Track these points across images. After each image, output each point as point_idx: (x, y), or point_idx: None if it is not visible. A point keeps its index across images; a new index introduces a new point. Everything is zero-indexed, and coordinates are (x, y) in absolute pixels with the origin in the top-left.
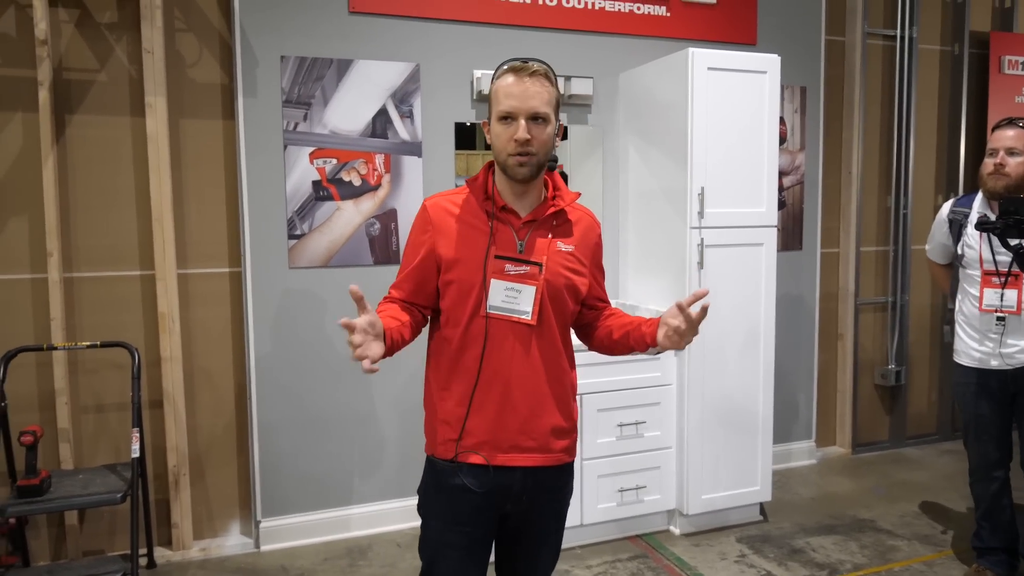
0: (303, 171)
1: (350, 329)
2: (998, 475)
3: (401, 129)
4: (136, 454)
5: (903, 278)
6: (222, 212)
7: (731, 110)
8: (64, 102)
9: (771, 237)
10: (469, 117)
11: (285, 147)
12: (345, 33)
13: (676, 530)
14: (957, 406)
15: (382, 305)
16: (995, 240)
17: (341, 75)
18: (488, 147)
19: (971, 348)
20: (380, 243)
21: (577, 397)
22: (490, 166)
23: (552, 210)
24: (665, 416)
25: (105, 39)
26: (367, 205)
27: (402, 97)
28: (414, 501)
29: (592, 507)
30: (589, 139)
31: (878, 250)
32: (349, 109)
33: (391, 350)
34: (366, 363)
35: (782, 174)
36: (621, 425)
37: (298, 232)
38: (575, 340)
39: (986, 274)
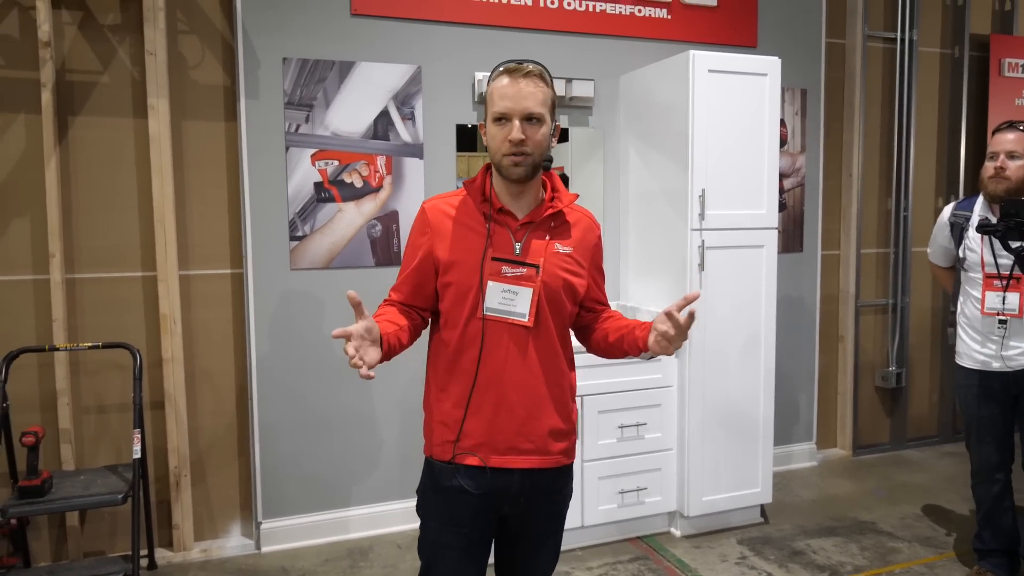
0: (305, 173)
1: (345, 338)
2: (1000, 477)
3: (403, 131)
4: (137, 455)
5: (904, 280)
6: (224, 214)
7: (732, 112)
8: (67, 104)
9: (772, 239)
10: (471, 119)
11: (287, 149)
12: (347, 35)
13: (677, 532)
14: (959, 408)
15: (381, 308)
16: (996, 243)
17: (343, 77)
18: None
19: (973, 350)
20: (382, 245)
21: (577, 399)
22: (488, 168)
23: (550, 212)
24: (666, 418)
25: (108, 41)
26: (368, 207)
27: (404, 99)
28: (415, 502)
29: (593, 509)
30: (590, 141)
31: (879, 252)
32: (351, 111)
33: (388, 355)
34: (363, 369)
35: (783, 176)
36: (622, 427)
37: (300, 234)
38: (575, 342)
39: (988, 277)
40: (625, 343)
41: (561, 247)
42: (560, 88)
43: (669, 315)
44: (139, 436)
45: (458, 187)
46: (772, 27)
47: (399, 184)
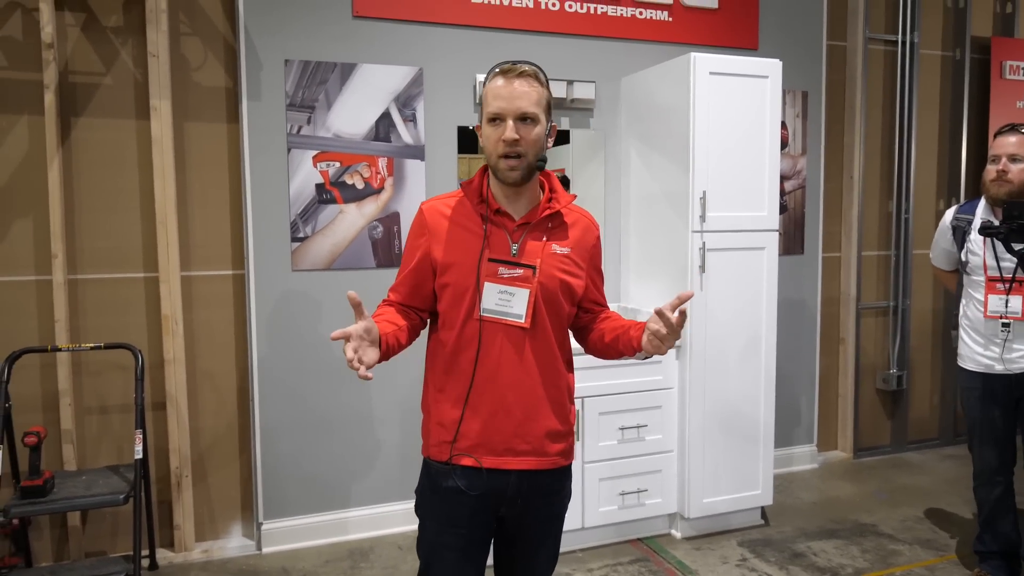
0: (306, 174)
1: (344, 339)
2: (1001, 479)
3: (404, 133)
4: (139, 455)
5: (905, 282)
6: (226, 215)
7: (733, 114)
8: (69, 105)
9: (773, 241)
10: (472, 121)
11: (289, 150)
12: (349, 37)
13: (677, 534)
14: (962, 410)
15: (380, 308)
16: (999, 246)
17: (345, 79)
18: None
19: (976, 353)
20: (383, 246)
21: (579, 400)
22: (485, 169)
23: (547, 213)
24: (666, 420)
25: (111, 43)
26: (370, 208)
27: (405, 101)
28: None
29: (593, 510)
30: (591, 143)
31: (880, 254)
32: (352, 112)
33: (387, 355)
34: (361, 370)
35: (783, 178)
36: (622, 428)
37: (301, 235)
38: (574, 343)
39: (990, 280)
40: (620, 343)
41: (558, 248)
42: (561, 90)
43: (660, 314)
44: (141, 436)
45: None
46: (773, 29)
47: (400, 186)
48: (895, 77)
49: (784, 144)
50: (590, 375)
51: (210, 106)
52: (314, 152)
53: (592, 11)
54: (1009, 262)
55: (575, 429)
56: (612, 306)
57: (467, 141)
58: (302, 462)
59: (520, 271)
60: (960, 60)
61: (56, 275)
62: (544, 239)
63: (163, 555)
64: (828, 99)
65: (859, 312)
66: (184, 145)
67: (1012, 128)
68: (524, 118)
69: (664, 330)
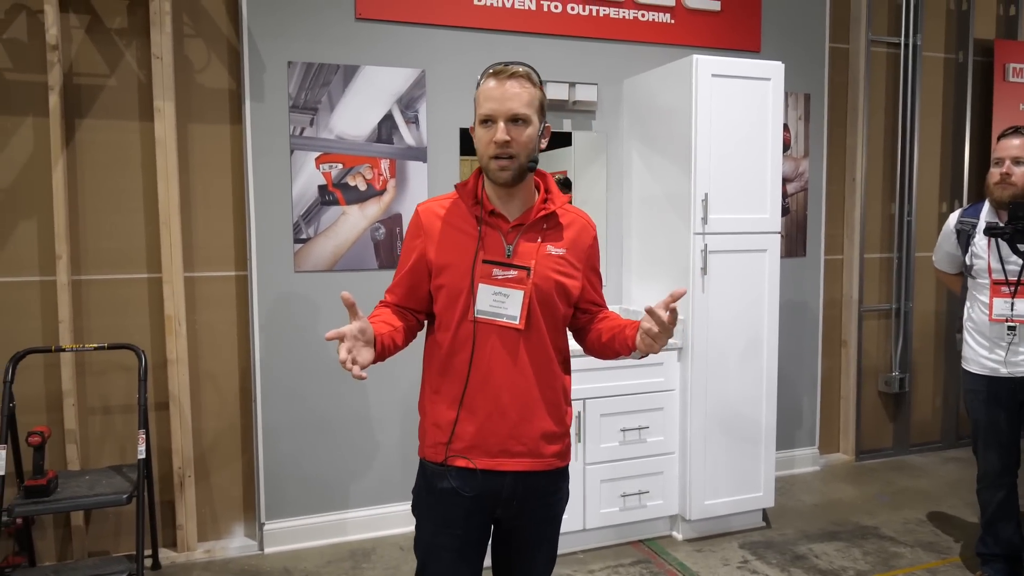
0: (309, 176)
1: (339, 339)
2: (1005, 482)
3: (407, 135)
4: (142, 455)
5: (907, 285)
6: (229, 216)
7: (735, 116)
8: (74, 106)
9: (775, 243)
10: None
11: (291, 152)
12: (351, 39)
13: (679, 535)
14: (966, 413)
15: (376, 310)
16: (1003, 249)
17: (347, 81)
18: None
19: (981, 356)
20: (385, 247)
21: (580, 402)
22: (480, 171)
23: (542, 214)
24: (668, 421)
25: (115, 44)
26: (372, 210)
27: (408, 103)
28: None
29: (594, 512)
30: (593, 145)
31: (882, 257)
32: (355, 114)
33: (382, 355)
34: (355, 369)
35: (786, 181)
36: (624, 430)
37: (304, 236)
38: (574, 344)
39: (995, 283)
40: (616, 342)
41: (553, 249)
42: (563, 92)
43: (651, 313)
44: (144, 436)
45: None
46: (775, 32)
47: (403, 187)
48: (898, 79)
49: (786, 146)
50: (591, 377)
51: (213, 108)
52: (317, 154)
53: (594, 13)
54: (1014, 265)
55: (576, 431)
56: (614, 308)
57: (469, 143)
58: (304, 463)
59: (514, 272)
60: (963, 63)
61: (60, 276)
62: (539, 240)
63: (166, 555)
64: (831, 101)
65: (861, 314)
66: (187, 146)
67: (1015, 131)
68: (515, 119)
69: (656, 328)
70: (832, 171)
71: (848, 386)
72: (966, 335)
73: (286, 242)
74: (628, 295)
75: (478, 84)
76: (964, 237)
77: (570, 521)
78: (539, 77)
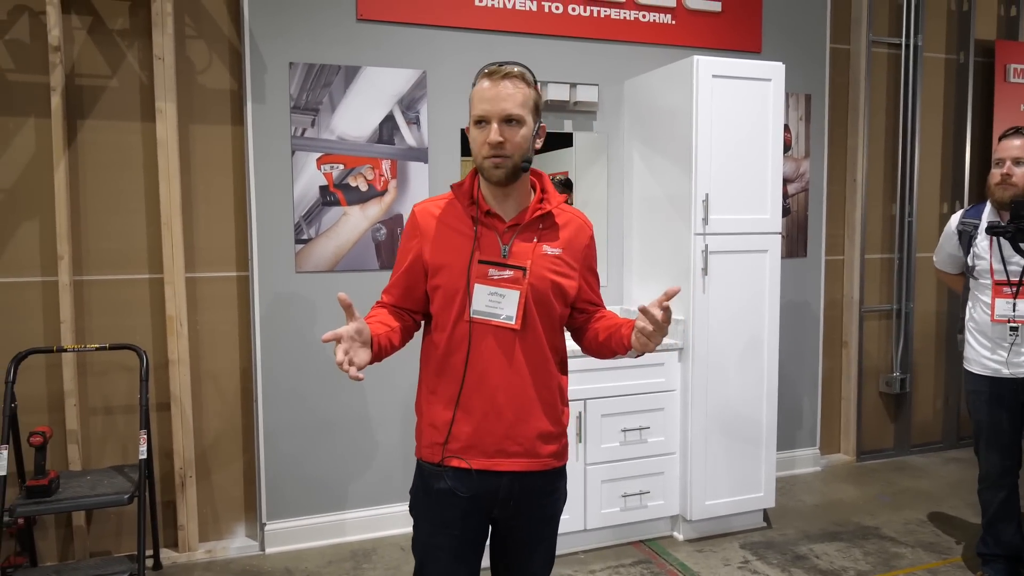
0: (310, 176)
1: (335, 340)
2: (1007, 483)
3: (408, 135)
4: (143, 456)
5: (908, 286)
6: (230, 217)
7: (735, 117)
8: (76, 107)
9: (775, 244)
10: None
11: (293, 152)
12: (353, 40)
13: (679, 536)
14: (968, 414)
15: (373, 310)
16: (1006, 250)
17: (348, 81)
18: None
19: (983, 357)
20: (386, 248)
21: (581, 402)
22: (476, 171)
23: (537, 214)
24: (669, 422)
25: (117, 45)
26: (373, 210)
27: (409, 104)
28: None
29: (595, 512)
30: (594, 145)
31: (883, 257)
32: (356, 115)
33: (379, 356)
34: (352, 370)
35: (786, 181)
36: (625, 430)
37: (305, 237)
38: (572, 344)
39: (997, 284)
40: (612, 341)
41: (550, 249)
42: (564, 93)
43: (645, 311)
44: (145, 437)
45: None
46: (776, 32)
47: (404, 188)
48: (899, 80)
49: (787, 147)
50: (592, 377)
51: (215, 108)
52: (318, 154)
53: (595, 14)
54: (1016, 265)
55: (577, 431)
56: (615, 308)
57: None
58: (305, 463)
59: (510, 272)
60: (964, 63)
61: (62, 276)
62: (535, 240)
63: (167, 555)
64: (831, 102)
65: (862, 315)
66: (189, 147)
67: (1016, 131)
68: (509, 120)
69: (650, 327)
70: (833, 172)
71: (849, 387)
72: (968, 336)
73: (287, 243)
74: (629, 295)
75: (473, 84)
76: (966, 238)
77: (571, 521)
78: (534, 77)
